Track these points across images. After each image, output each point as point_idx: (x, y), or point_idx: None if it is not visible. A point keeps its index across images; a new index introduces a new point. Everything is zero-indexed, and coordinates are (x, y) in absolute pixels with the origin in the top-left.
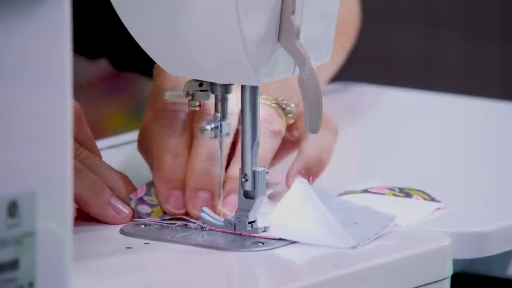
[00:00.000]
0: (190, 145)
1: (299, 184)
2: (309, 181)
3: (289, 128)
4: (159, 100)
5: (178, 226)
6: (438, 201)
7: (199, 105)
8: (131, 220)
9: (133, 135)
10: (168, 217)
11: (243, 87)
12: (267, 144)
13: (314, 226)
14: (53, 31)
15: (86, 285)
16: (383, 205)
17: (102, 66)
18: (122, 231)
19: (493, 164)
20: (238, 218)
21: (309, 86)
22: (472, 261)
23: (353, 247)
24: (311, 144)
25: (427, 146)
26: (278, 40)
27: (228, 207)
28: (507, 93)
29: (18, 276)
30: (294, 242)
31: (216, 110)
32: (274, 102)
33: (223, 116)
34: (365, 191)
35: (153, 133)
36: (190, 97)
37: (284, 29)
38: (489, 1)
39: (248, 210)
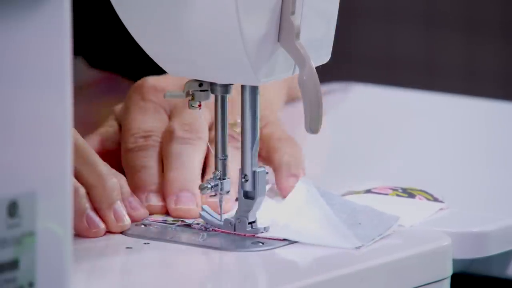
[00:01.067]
0: (161, 166)
1: (303, 184)
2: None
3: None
4: (125, 141)
5: (178, 226)
6: (441, 202)
7: (199, 105)
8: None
9: None
10: (172, 219)
11: (243, 87)
12: (236, 157)
13: (318, 226)
14: (53, 31)
15: (86, 285)
16: (387, 205)
17: (76, 65)
18: (122, 231)
19: (493, 164)
20: (238, 219)
21: (309, 86)
22: (472, 261)
23: (358, 248)
24: (283, 155)
25: (427, 146)
26: (278, 40)
27: (183, 203)
28: (507, 93)
29: (18, 276)
30: (294, 242)
31: (215, 113)
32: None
33: (224, 175)
34: (368, 191)
35: (126, 166)
36: (190, 97)
37: (284, 29)
38: (489, 1)
39: (248, 211)
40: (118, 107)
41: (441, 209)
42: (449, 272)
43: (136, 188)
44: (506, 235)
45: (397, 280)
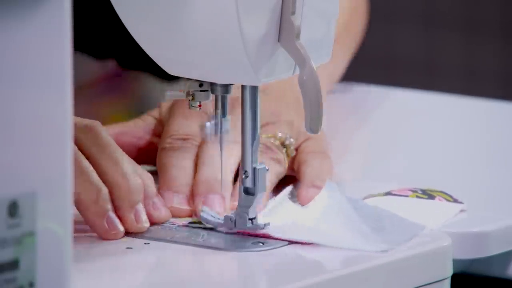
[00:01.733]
0: (195, 169)
1: (327, 188)
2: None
3: (290, 164)
4: (162, 141)
5: (179, 226)
6: (460, 203)
7: (199, 105)
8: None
9: None
10: (193, 220)
11: (243, 87)
12: (271, 167)
13: (342, 230)
14: (53, 31)
15: (86, 285)
16: (408, 207)
17: (109, 66)
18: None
19: (493, 164)
20: (239, 215)
21: (309, 86)
22: (472, 261)
23: (383, 251)
24: (308, 167)
25: (427, 146)
26: (279, 40)
27: (212, 206)
28: (507, 93)
29: (18, 276)
30: (294, 242)
31: (215, 114)
32: (279, 141)
33: (223, 114)
34: (388, 193)
35: (159, 165)
36: (190, 97)
37: (284, 29)
38: (489, 1)
39: (248, 207)
40: (165, 105)
41: (461, 210)
42: (449, 272)
43: (163, 186)
44: (506, 235)
45: (397, 280)
